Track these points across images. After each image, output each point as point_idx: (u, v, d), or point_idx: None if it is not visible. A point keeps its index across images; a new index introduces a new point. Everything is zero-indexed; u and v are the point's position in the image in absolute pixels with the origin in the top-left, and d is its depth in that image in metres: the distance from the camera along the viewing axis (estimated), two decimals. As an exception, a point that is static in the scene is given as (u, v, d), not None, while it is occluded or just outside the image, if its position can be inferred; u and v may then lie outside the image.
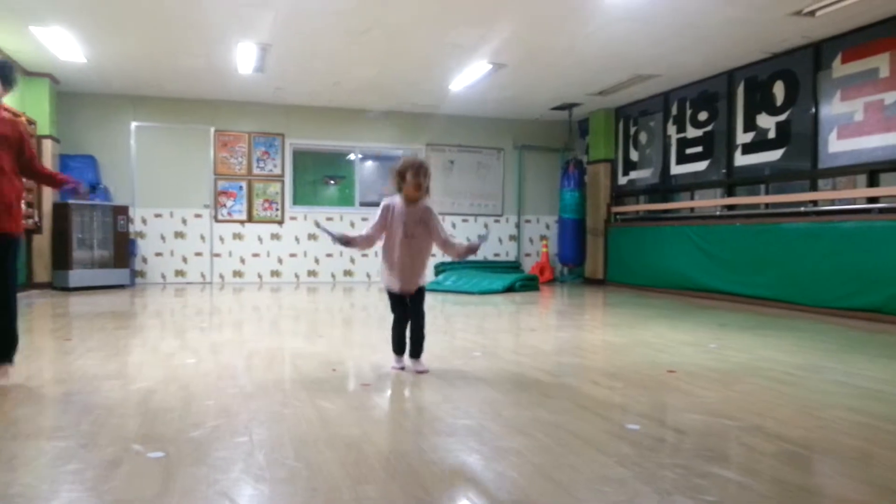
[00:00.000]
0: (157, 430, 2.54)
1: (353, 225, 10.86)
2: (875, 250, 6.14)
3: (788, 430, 2.63)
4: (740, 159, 8.11)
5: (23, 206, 3.73)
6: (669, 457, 2.32)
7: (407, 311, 3.82)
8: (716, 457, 2.31)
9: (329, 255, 10.85)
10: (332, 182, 12.32)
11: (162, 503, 1.87)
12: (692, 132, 8.94)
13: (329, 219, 10.81)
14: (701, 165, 8.79)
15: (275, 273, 10.63)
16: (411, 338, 3.80)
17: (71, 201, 8.70)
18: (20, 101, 8.34)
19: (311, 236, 10.74)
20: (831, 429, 2.68)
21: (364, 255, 10.90)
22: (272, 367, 3.84)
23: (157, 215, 10.14)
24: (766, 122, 7.71)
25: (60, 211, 8.78)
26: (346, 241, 3.75)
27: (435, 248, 3.84)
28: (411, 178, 3.62)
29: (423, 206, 3.73)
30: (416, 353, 3.79)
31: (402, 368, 3.81)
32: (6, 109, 7.48)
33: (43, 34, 6.93)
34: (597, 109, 10.65)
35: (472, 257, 10.62)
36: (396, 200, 3.72)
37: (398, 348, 3.88)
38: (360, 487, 2.00)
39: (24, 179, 3.51)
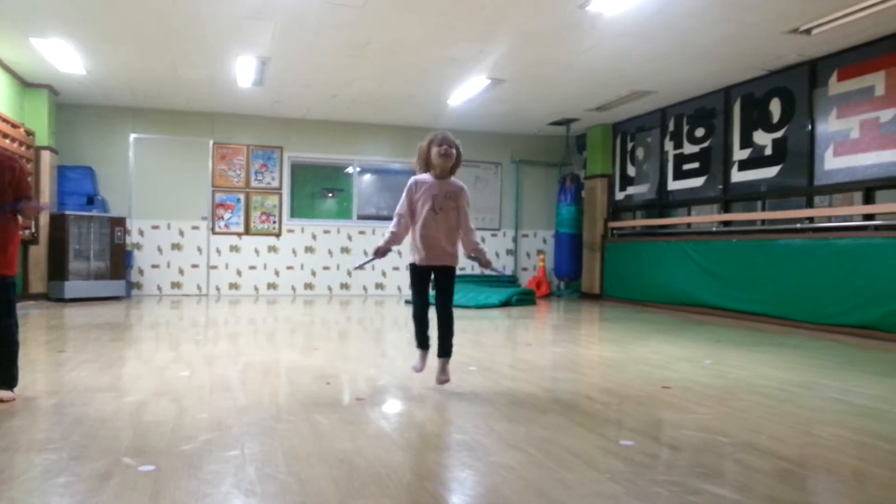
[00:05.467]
0: (149, 443, 2.52)
1: (350, 238, 10.89)
2: (871, 267, 6.15)
3: (783, 448, 2.62)
4: (737, 175, 8.14)
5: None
6: (663, 473, 2.31)
7: (429, 297, 3.54)
8: (710, 473, 2.30)
9: (326, 268, 10.85)
10: (330, 195, 12.32)
11: (151, 517, 1.86)
12: (689, 148, 8.97)
13: (326, 232, 10.83)
14: (698, 181, 8.81)
15: (271, 285, 10.62)
16: (439, 328, 3.53)
17: (68, 212, 8.72)
18: (20, 112, 8.36)
19: (308, 249, 10.75)
20: (826, 446, 2.67)
21: (361, 269, 10.89)
22: (266, 381, 3.83)
23: (155, 227, 10.13)
24: (763, 138, 7.74)
25: (57, 222, 8.77)
26: (385, 251, 3.56)
27: None
28: (437, 148, 3.47)
29: (457, 183, 3.57)
30: (444, 349, 3.51)
31: (421, 370, 3.59)
32: (4, 120, 7.52)
33: (43, 46, 6.96)
34: (594, 125, 10.70)
35: (469, 271, 10.67)
36: (425, 176, 3.55)
37: (422, 341, 3.60)
38: (351, 503, 1.98)
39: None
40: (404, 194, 3.57)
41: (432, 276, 3.59)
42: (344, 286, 10.93)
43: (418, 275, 3.58)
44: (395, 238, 3.57)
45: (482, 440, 2.67)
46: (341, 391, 3.61)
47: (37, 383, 3.63)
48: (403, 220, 3.56)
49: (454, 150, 3.51)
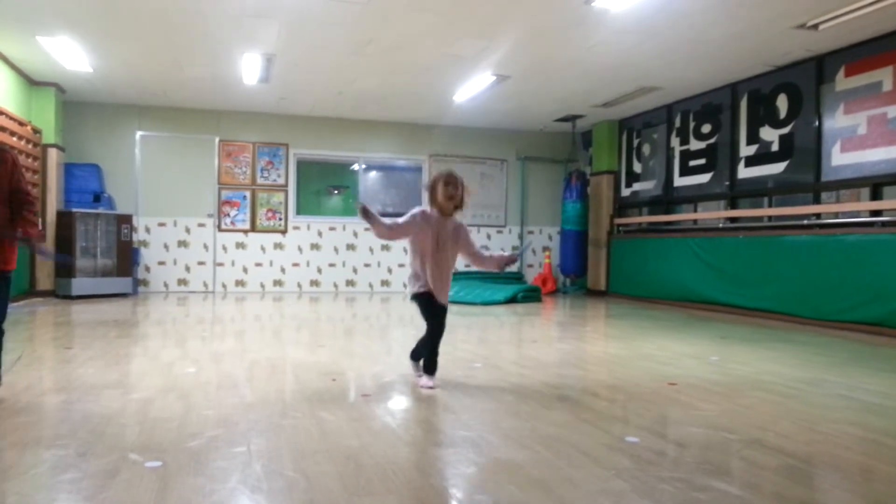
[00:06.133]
0: (156, 440, 2.53)
1: (356, 235, 10.90)
2: (877, 263, 6.12)
3: (789, 444, 2.62)
4: (743, 172, 8.11)
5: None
6: (669, 470, 2.30)
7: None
8: (716, 470, 2.29)
9: (332, 265, 10.86)
10: (335, 192, 12.34)
11: (158, 513, 1.87)
12: (695, 144, 8.94)
13: (332, 229, 10.85)
14: (704, 177, 8.79)
15: (277, 282, 10.64)
16: (427, 351, 3.66)
17: (75, 210, 8.76)
18: (27, 110, 8.39)
19: (314, 246, 10.77)
20: (832, 443, 2.66)
21: (366, 266, 10.92)
22: (272, 377, 3.84)
23: (161, 224, 10.16)
24: (770, 134, 7.71)
25: (64, 219, 8.80)
26: (369, 217, 3.43)
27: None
28: (442, 188, 3.54)
29: (456, 221, 3.66)
30: (430, 369, 3.65)
31: (432, 385, 3.59)
32: (11, 118, 7.55)
33: (49, 44, 6.98)
34: (600, 121, 10.67)
35: (473, 267, 10.67)
36: (432, 212, 3.63)
37: (430, 366, 3.65)
38: (357, 500, 1.99)
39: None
40: (409, 217, 3.60)
41: None
42: (350, 283, 10.95)
43: (424, 302, 3.65)
44: (386, 231, 3.55)
45: (487, 437, 2.68)
46: (347, 388, 3.62)
47: (44, 380, 3.64)
48: (396, 229, 3.60)
49: (459, 192, 3.57)
